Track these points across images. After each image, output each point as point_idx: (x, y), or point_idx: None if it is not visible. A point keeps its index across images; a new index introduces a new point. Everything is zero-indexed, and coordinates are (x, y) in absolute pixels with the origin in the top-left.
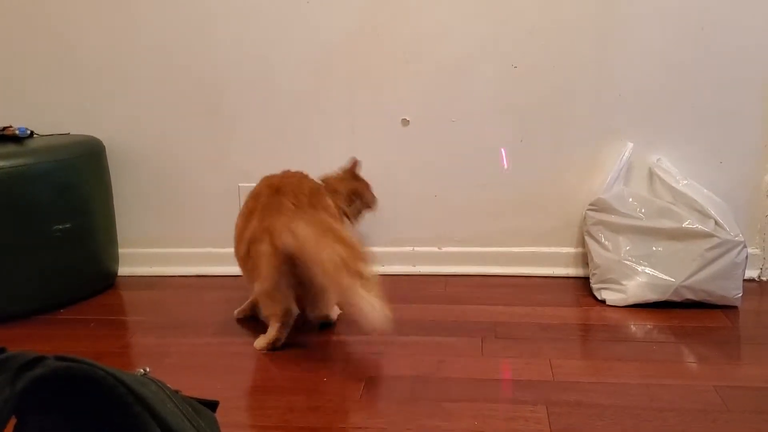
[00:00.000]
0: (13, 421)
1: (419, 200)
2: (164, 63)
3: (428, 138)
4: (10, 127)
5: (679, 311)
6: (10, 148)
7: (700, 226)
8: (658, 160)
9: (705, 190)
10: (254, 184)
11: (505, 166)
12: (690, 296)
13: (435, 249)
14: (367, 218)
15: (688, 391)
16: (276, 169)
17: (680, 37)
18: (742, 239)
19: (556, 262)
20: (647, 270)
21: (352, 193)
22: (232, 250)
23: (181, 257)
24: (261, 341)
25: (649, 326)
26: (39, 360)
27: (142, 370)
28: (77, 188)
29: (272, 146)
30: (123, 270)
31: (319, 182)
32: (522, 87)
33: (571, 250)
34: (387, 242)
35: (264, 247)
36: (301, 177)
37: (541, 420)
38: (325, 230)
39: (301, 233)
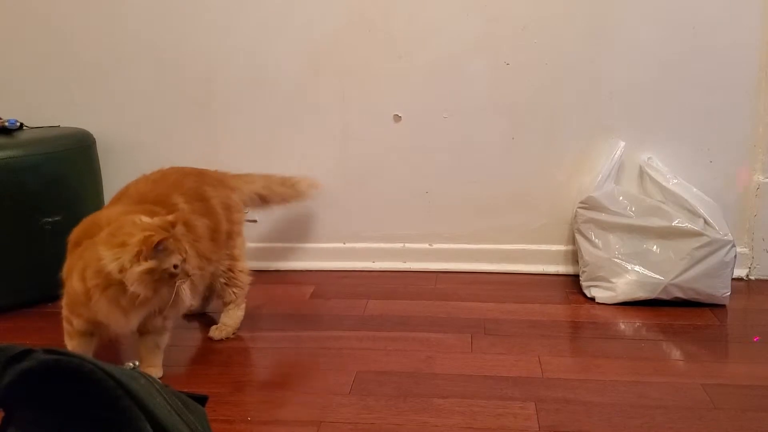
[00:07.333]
0: (0, 414)
1: (410, 196)
2: (155, 56)
3: (420, 134)
4: (0, 119)
5: (667, 309)
6: (0, 140)
7: (689, 225)
8: (648, 158)
9: (695, 189)
10: None
11: None
12: (679, 294)
13: (425, 245)
14: (360, 215)
15: (675, 388)
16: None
17: (671, 36)
18: (731, 238)
19: (546, 259)
20: (637, 268)
21: None
22: None
23: None
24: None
25: (637, 324)
26: (27, 353)
27: (131, 364)
28: (67, 181)
29: (263, 140)
30: None
31: None
32: (514, 84)
33: (561, 247)
34: (377, 238)
35: None
36: None
37: (529, 416)
38: None
39: None
